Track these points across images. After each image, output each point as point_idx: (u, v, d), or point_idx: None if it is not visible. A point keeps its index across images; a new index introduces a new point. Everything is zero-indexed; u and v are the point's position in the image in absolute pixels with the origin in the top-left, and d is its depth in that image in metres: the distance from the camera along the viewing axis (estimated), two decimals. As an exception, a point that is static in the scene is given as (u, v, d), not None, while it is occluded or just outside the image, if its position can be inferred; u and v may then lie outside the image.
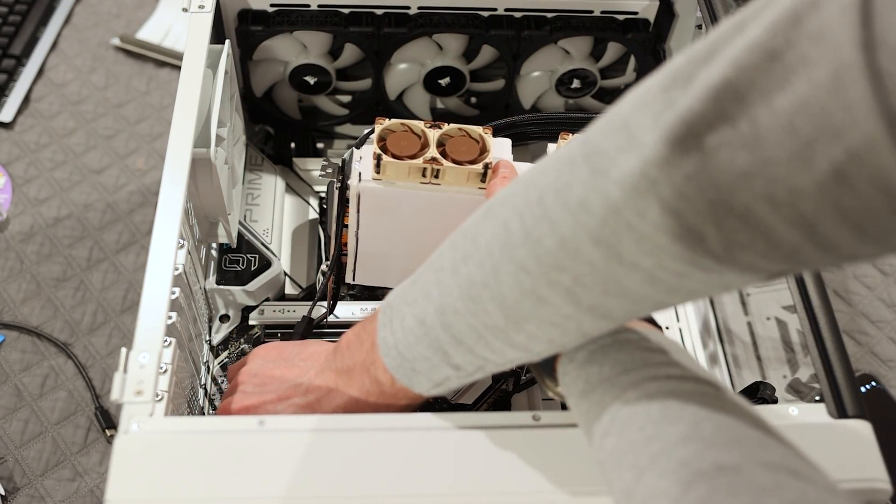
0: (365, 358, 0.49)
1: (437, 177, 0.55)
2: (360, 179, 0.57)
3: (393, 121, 0.56)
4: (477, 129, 0.57)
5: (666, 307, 0.39)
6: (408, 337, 0.45)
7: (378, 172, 0.56)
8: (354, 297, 0.74)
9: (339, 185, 0.60)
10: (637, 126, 0.33)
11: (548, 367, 0.48)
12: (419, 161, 0.55)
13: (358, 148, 0.59)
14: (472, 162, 0.56)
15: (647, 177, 0.32)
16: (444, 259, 0.43)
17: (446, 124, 0.56)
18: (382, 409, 0.50)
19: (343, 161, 0.60)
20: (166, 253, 0.53)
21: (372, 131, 0.57)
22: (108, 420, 0.73)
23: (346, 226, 0.62)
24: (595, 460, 0.42)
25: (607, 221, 0.34)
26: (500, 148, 0.59)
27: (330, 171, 0.62)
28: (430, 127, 0.56)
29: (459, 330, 0.42)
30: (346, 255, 0.64)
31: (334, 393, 0.51)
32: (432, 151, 0.55)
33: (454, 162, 0.55)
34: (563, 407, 0.69)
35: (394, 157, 0.55)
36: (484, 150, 0.56)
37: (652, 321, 0.48)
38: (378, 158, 0.55)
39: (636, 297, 0.37)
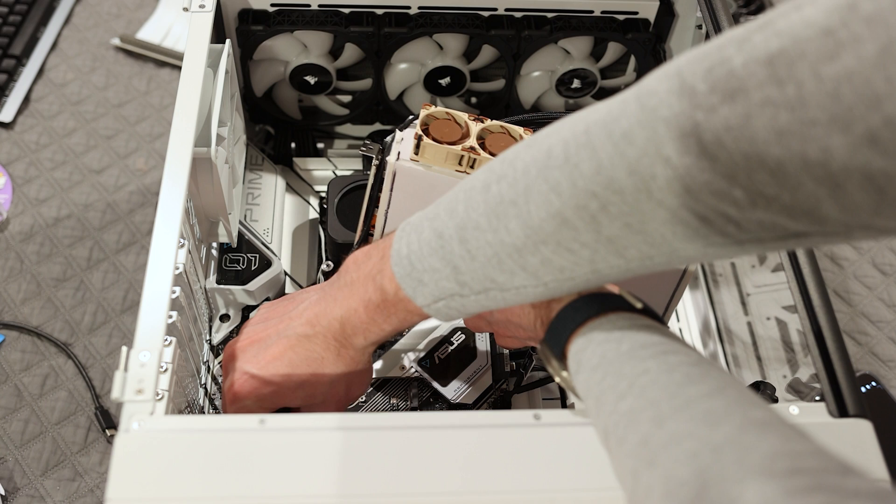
0: (372, 268, 0.50)
1: (472, 166, 0.56)
2: (398, 158, 0.57)
3: (438, 108, 0.57)
4: (518, 129, 0.58)
5: (678, 261, 0.40)
6: (423, 248, 0.46)
7: (417, 153, 0.56)
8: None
9: (377, 162, 0.60)
10: (690, 74, 0.36)
11: (558, 348, 0.48)
12: (458, 148, 0.55)
13: (402, 130, 0.59)
14: None
15: (693, 119, 0.35)
16: (477, 180, 0.45)
17: (489, 119, 0.57)
18: (379, 320, 0.51)
19: (384, 143, 0.61)
20: (167, 252, 0.53)
21: (416, 116, 0.57)
22: (108, 420, 0.72)
23: (377, 207, 0.62)
24: (601, 428, 0.42)
25: (646, 153, 0.37)
26: None
27: (371, 147, 0.63)
28: (473, 120, 0.57)
29: (476, 245, 0.44)
30: (372, 236, 0.64)
31: (333, 305, 0.52)
32: (472, 141, 0.56)
33: (491, 155, 0.56)
34: (564, 406, 0.69)
35: (434, 140, 0.56)
36: None
37: (663, 323, 0.49)
38: (419, 139, 0.56)
39: (654, 239, 0.39)
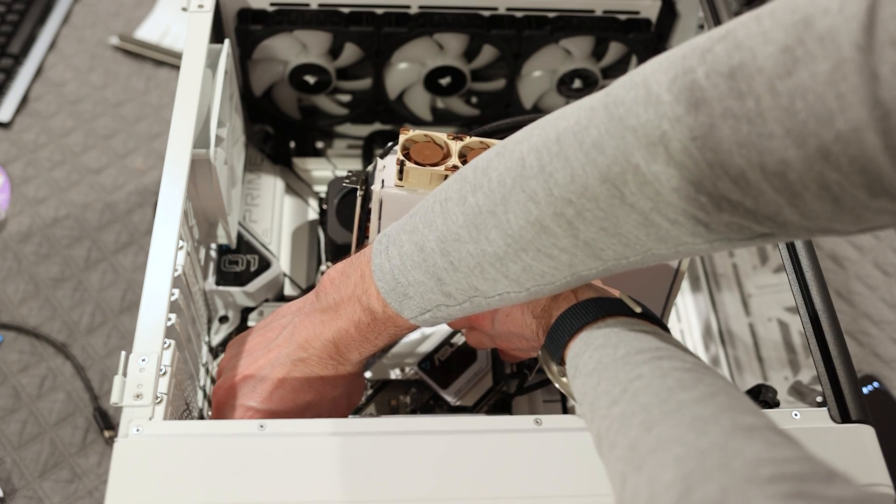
0: (354, 289, 0.51)
1: None
2: (382, 186, 0.58)
3: (417, 132, 0.58)
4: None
5: (652, 259, 0.41)
6: (405, 262, 0.47)
7: (401, 179, 0.57)
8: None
9: (362, 192, 0.61)
10: (656, 84, 0.37)
11: (557, 354, 0.48)
12: (441, 168, 0.56)
13: (382, 158, 0.60)
14: None
15: (660, 129, 0.36)
16: (451, 191, 0.46)
17: (469, 136, 0.57)
18: (371, 338, 0.51)
19: (367, 172, 0.61)
20: (166, 254, 0.53)
21: (396, 142, 0.58)
22: (106, 421, 0.72)
23: (367, 237, 0.62)
24: (595, 433, 0.42)
25: (617, 162, 0.38)
26: None
27: (354, 179, 0.63)
28: (452, 139, 0.57)
29: (458, 257, 0.45)
30: None
31: (322, 328, 0.52)
32: (454, 160, 0.56)
33: None
34: (565, 410, 0.69)
35: (417, 164, 0.56)
36: None
37: (663, 327, 0.48)
38: (401, 165, 0.56)
39: (628, 240, 0.40)
